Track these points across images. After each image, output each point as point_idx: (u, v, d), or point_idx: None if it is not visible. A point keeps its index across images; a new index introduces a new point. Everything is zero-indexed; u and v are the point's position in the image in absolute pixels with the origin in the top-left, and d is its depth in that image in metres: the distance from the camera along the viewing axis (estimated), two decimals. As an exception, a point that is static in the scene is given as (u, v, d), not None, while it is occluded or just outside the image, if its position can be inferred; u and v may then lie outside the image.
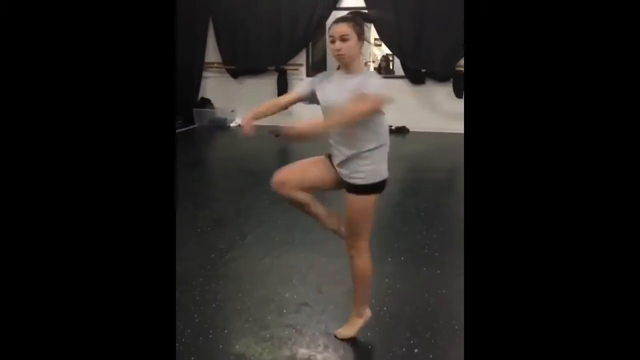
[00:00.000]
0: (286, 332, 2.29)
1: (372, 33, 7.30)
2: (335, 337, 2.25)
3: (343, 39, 1.91)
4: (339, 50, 1.92)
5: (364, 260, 2.14)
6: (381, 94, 1.84)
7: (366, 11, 2.09)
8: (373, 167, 1.97)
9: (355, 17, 1.97)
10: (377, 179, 1.99)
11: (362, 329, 2.28)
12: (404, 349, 2.17)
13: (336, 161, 2.03)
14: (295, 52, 7.33)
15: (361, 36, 1.95)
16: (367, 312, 2.27)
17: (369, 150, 1.95)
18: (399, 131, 6.85)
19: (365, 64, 8.28)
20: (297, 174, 2.06)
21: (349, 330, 2.26)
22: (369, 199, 2.01)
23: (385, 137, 2.00)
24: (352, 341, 2.23)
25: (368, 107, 1.81)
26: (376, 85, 1.86)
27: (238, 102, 7.74)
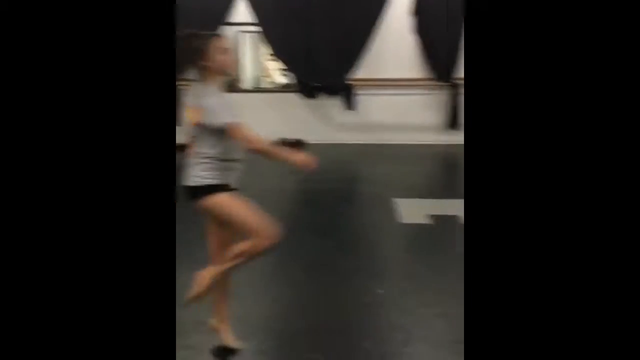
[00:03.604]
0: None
1: (268, 49, 7.33)
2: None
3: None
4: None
5: None
6: None
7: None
8: None
9: None
10: None
11: (260, 343, 2.28)
12: (301, 361, 2.20)
13: (235, 176, 2.04)
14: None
15: None
16: None
17: None
18: (295, 145, 6.92)
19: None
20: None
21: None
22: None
23: None
24: (249, 357, 2.20)
25: None
26: None
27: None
